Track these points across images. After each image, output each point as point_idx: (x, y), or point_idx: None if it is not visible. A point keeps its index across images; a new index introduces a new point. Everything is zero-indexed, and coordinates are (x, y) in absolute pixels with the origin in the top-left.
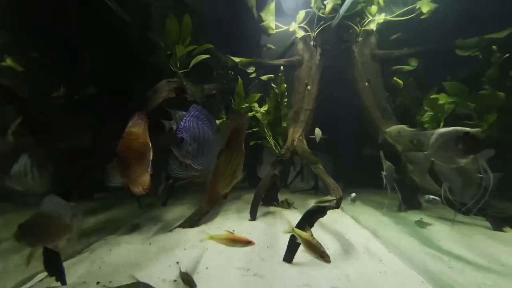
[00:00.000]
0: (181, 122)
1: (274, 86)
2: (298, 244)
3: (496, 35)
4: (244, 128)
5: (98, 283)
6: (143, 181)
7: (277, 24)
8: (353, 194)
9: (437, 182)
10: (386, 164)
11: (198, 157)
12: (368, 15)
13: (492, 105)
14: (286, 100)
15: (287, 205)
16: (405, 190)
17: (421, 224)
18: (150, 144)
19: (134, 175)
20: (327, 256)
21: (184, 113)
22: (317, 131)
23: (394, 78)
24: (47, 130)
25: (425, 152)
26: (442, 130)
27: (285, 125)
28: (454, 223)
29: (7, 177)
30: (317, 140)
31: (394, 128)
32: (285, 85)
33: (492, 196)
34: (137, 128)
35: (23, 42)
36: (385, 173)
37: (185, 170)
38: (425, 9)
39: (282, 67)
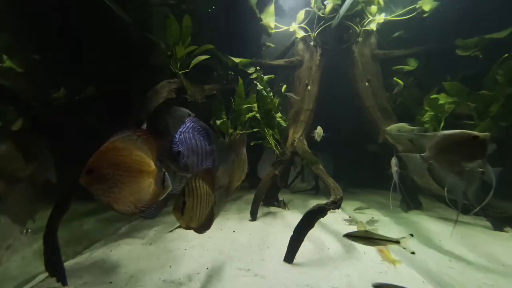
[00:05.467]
0: (176, 135)
1: (257, 82)
2: (299, 245)
3: (496, 35)
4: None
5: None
6: (138, 199)
7: (277, 24)
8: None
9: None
10: (396, 172)
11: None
12: (368, 15)
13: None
14: (271, 94)
15: (283, 205)
16: (406, 190)
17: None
18: (154, 161)
19: (124, 194)
20: None
21: (185, 110)
22: (319, 129)
23: (395, 78)
24: (46, 131)
25: (421, 154)
26: (446, 132)
27: (279, 120)
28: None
29: None
30: (318, 139)
31: (393, 127)
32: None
33: (496, 193)
34: (126, 143)
35: (23, 43)
36: (398, 182)
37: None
38: (427, 7)
39: (254, 73)
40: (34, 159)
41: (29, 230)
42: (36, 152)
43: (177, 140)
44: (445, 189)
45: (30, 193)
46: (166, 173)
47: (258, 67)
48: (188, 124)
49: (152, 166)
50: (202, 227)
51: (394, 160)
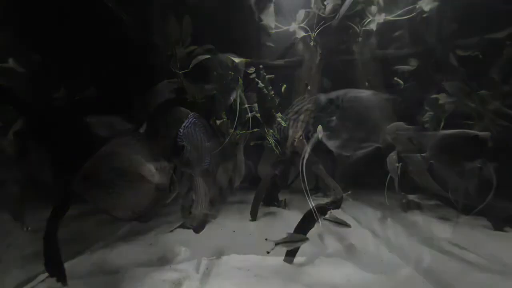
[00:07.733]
0: (181, 129)
1: (257, 80)
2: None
3: (496, 35)
4: None
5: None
6: (136, 205)
7: (277, 24)
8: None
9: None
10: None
11: (198, 166)
12: (368, 15)
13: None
14: (272, 93)
15: (283, 205)
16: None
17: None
18: (155, 165)
19: (122, 199)
20: None
21: (185, 110)
22: (319, 128)
23: (395, 78)
24: (46, 131)
25: (422, 154)
26: (447, 132)
27: (279, 120)
28: (456, 223)
29: None
30: (320, 138)
31: (392, 126)
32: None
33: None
34: (124, 148)
35: (23, 43)
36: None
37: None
38: (426, 7)
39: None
40: (15, 161)
41: (29, 228)
42: (20, 154)
43: (181, 134)
44: (449, 189)
45: (15, 195)
46: (174, 176)
47: (261, 65)
48: (190, 120)
49: (152, 170)
50: (200, 226)
51: (393, 157)
